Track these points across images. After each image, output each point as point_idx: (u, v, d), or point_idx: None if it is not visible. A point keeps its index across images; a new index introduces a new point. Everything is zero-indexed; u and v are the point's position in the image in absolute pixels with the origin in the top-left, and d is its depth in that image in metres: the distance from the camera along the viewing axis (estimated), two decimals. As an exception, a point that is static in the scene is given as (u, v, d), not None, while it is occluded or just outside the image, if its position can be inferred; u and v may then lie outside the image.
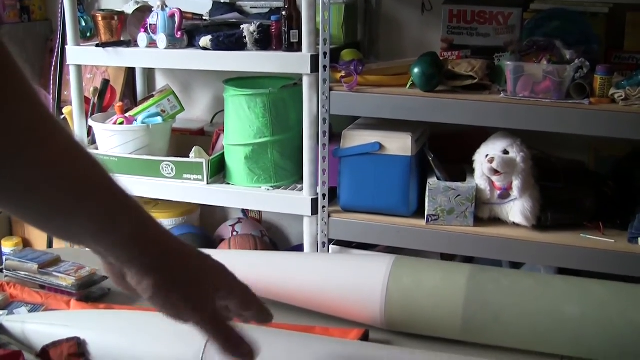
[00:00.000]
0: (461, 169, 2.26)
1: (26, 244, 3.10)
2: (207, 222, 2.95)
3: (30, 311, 1.17)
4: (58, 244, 2.80)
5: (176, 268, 0.76)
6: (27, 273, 1.27)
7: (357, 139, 2.23)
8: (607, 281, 1.07)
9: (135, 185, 2.54)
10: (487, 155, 2.11)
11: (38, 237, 3.15)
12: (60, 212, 0.70)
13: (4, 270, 1.30)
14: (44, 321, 1.05)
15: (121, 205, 0.73)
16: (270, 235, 2.86)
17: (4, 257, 1.31)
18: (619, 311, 1.01)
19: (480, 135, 2.21)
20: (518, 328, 1.04)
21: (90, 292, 1.24)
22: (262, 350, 0.89)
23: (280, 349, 0.91)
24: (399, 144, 2.18)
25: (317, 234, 2.35)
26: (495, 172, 2.10)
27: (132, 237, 0.73)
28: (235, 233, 2.72)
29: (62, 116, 2.84)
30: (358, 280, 1.11)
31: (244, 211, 2.91)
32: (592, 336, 1.02)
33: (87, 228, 0.72)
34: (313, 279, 1.13)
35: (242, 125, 2.44)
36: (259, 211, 2.89)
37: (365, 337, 1.10)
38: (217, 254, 1.26)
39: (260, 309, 0.84)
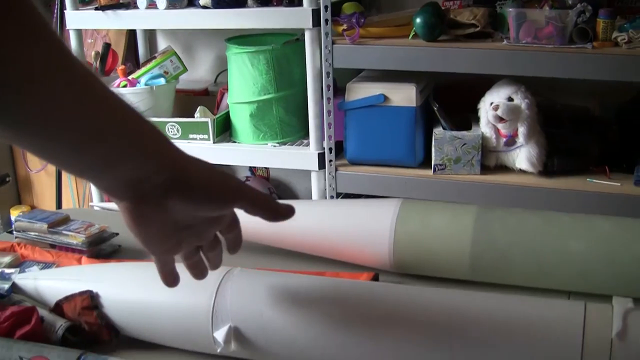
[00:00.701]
0: (466, 117, 2.26)
1: (35, 211, 3.11)
2: (215, 182, 2.94)
3: (42, 270, 1.18)
4: (66, 207, 2.82)
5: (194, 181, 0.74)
6: (37, 233, 1.28)
7: (361, 91, 2.23)
8: (611, 216, 1.07)
9: (141, 147, 2.54)
10: (491, 103, 2.11)
11: (47, 206, 3.16)
12: (71, 146, 0.66)
13: (14, 232, 1.31)
14: (55, 277, 1.06)
15: (135, 138, 0.70)
16: (278, 193, 2.86)
17: (12, 219, 1.32)
18: (624, 245, 1.02)
19: (485, 83, 2.21)
20: (525, 265, 1.04)
21: (100, 249, 1.25)
22: (278, 294, 0.91)
23: (298, 291, 0.91)
24: (404, 95, 2.18)
25: (325, 189, 2.36)
26: (501, 119, 2.10)
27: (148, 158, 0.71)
28: (243, 191, 2.72)
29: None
30: (366, 224, 1.11)
31: (252, 169, 2.92)
32: (597, 271, 1.02)
33: (100, 164, 0.69)
34: (321, 224, 1.14)
35: (245, 83, 2.44)
36: (267, 168, 2.90)
37: (375, 280, 1.11)
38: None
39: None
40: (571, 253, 1.03)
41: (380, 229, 1.10)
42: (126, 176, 0.70)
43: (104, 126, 0.67)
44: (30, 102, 0.61)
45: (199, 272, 0.84)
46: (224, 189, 0.76)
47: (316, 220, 1.14)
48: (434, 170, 2.21)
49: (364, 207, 1.15)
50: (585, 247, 1.03)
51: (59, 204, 2.97)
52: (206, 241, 0.81)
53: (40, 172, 3.15)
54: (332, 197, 2.32)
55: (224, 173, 0.76)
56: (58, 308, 1.02)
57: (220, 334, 0.91)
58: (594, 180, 2.11)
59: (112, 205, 1.39)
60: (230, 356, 0.94)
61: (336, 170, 2.31)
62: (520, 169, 2.16)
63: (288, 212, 0.81)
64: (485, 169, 2.20)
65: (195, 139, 2.49)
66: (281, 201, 0.82)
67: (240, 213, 0.79)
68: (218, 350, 0.92)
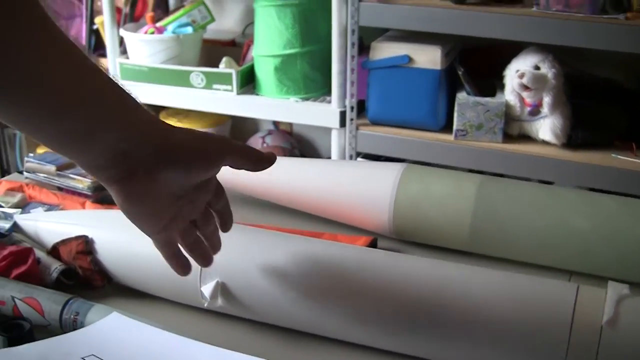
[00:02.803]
0: (491, 84, 2.22)
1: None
2: (237, 134, 2.94)
3: (46, 211, 1.18)
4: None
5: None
6: (45, 175, 1.28)
7: (386, 51, 2.20)
8: (619, 196, 1.05)
9: (165, 95, 2.54)
10: (517, 71, 2.07)
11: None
12: (50, 111, 0.66)
13: (24, 172, 1.31)
14: (55, 220, 1.06)
15: (112, 107, 0.68)
16: (300, 148, 2.85)
17: (25, 159, 1.32)
18: (630, 226, 0.99)
19: (512, 49, 2.16)
20: (526, 239, 1.02)
21: (105, 195, 1.23)
22: (268, 253, 0.90)
23: (288, 251, 0.90)
24: (428, 57, 2.15)
25: (345, 147, 2.34)
26: (526, 87, 2.06)
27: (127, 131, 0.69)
28: (265, 144, 2.72)
29: (95, 26, 2.83)
30: (367, 186, 1.09)
31: (275, 123, 2.90)
32: (601, 251, 1.00)
33: (77, 133, 0.67)
34: (322, 184, 1.12)
35: (271, 36, 2.41)
36: (290, 123, 2.88)
37: (373, 245, 1.09)
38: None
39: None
40: (574, 231, 1.01)
41: (381, 193, 1.08)
42: (110, 149, 0.68)
43: (84, 91, 0.66)
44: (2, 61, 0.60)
45: (201, 256, 0.84)
46: (210, 147, 0.75)
47: (318, 179, 1.13)
48: (455, 136, 2.18)
49: (366, 169, 1.13)
50: (589, 226, 1.00)
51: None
52: (199, 211, 0.80)
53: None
54: (351, 156, 2.31)
55: (205, 133, 0.75)
56: (55, 251, 1.02)
57: (207, 289, 0.90)
58: (619, 156, 2.07)
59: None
60: (216, 311, 0.94)
61: (357, 129, 2.29)
62: (543, 140, 2.13)
63: (271, 159, 0.79)
64: (507, 137, 2.17)
65: (219, 89, 2.47)
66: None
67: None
68: (205, 305, 0.91)
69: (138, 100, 0.70)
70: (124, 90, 0.69)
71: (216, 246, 0.85)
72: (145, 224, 0.76)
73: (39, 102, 0.63)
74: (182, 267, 0.82)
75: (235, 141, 0.78)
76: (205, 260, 0.84)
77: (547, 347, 0.80)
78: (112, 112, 0.68)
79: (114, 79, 0.69)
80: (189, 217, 0.80)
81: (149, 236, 0.78)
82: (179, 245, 0.81)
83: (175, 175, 0.72)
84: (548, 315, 0.80)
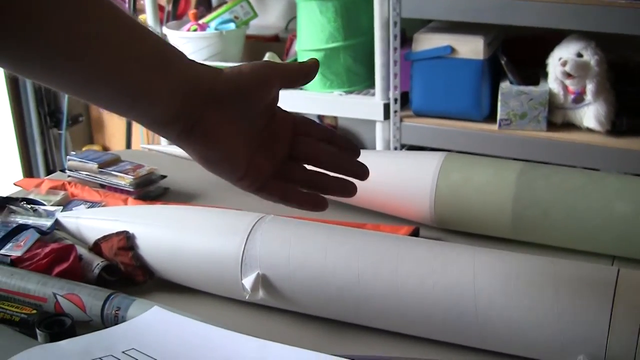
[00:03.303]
0: (535, 72, 2.21)
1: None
2: (282, 129, 2.94)
3: (87, 209, 1.19)
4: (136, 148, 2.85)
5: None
6: (87, 173, 1.29)
7: (428, 42, 2.20)
8: (661, 179, 1.04)
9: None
10: (560, 59, 2.05)
11: (118, 145, 3.21)
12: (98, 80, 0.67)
13: (67, 171, 1.33)
14: (96, 216, 1.07)
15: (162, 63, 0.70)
16: (345, 142, 2.85)
17: (67, 158, 1.34)
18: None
19: (554, 37, 2.15)
20: (568, 225, 1.02)
21: (148, 191, 1.26)
22: (309, 244, 0.90)
23: (329, 241, 0.91)
24: (471, 47, 2.14)
25: (390, 139, 2.34)
26: (569, 75, 2.05)
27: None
28: (310, 139, 2.72)
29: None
30: (408, 176, 1.10)
31: (320, 117, 2.91)
32: (643, 235, 1.00)
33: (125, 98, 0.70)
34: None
35: (314, 30, 2.42)
36: (335, 117, 2.89)
37: (415, 234, 1.10)
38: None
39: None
40: (617, 215, 1.00)
41: (422, 182, 1.08)
42: (170, 101, 0.70)
43: (136, 48, 0.68)
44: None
45: (305, 201, 0.80)
46: (259, 72, 0.75)
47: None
48: (499, 125, 2.17)
49: (407, 159, 1.14)
50: (631, 210, 1.00)
51: (128, 144, 3.00)
52: (283, 149, 0.79)
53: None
54: (395, 148, 2.30)
55: (249, 63, 0.76)
56: (96, 247, 1.03)
57: (248, 281, 0.91)
58: (664, 142, 2.05)
59: (163, 147, 1.40)
60: (258, 304, 0.95)
61: (401, 121, 2.29)
62: (587, 127, 2.11)
63: (313, 67, 0.80)
64: (551, 125, 2.15)
65: (263, 85, 2.48)
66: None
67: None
68: (246, 297, 0.92)
69: (181, 51, 0.72)
70: (168, 43, 0.72)
71: (358, 174, 0.81)
72: (227, 169, 0.76)
73: (97, 63, 0.66)
74: (306, 204, 0.79)
75: (279, 62, 0.79)
76: (315, 205, 0.80)
77: (588, 330, 0.80)
78: (163, 63, 0.70)
79: (156, 34, 0.71)
80: (274, 157, 0.78)
81: (237, 185, 0.77)
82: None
83: (236, 109, 0.73)
84: (589, 299, 0.80)
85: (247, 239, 0.92)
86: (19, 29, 0.61)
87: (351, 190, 0.80)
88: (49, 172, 3.09)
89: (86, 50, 0.64)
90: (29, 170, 3.19)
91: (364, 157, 1.16)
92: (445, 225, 1.10)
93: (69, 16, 0.63)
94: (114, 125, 3.25)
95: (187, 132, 0.72)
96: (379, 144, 2.40)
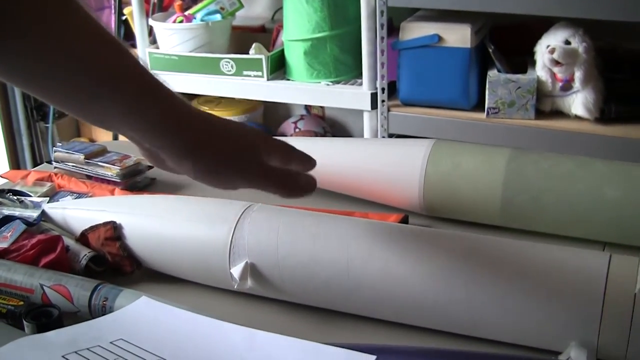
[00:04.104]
0: (522, 60, 2.20)
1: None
2: (270, 120, 2.95)
3: (74, 199, 1.18)
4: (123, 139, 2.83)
5: (214, 145, 0.76)
6: (74, 164, 1.29)
7: (415, 31, 2.19)
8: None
9: (195, 83, 2.55)
10: (548, 46, 2.05)
11: (105, 138, 3.19)
12: (85, 94, 0.70)
13: (53, 162, 1.32)
14: (83, 207, 1.06)
15: (148, 89, 0.73)
16: (333, 132, 2.85)
17: (53, 149, 1.33)
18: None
19: (542, 25, 2.14)
20: (557, 212, 1.02)
21: (135, 182, 1.25)
22: (297, 233, 0.90)
23: (318, 230, 0.90)
24: (458, 36, 2.13)
25: (377, 129, 2.33)
26: (557, 63, 2.04)
27: (163, 121, 0.73)
28: (297, 130, 2.72)
29: (124, 17, 2.84)
30: (396, 163, 1.09)
31: (307, 108, 2.90)
32: (634, 221, 0.99)
33: (114, 112, 0.72)
34: (351, 162, 1.12)
35: (300, 20, 2.41)
36: (322, 107, 2.88)
37: (404, 222, 1.09)
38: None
39: (301, 158, 0.85)
40: (606, 201, 1.00)
41: (411, 169, 1.08)
42: (156, 126, 0.74)
43: (124, 71, 0.71)
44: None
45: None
46: (248, 139, 0.80)
47: (346, 158, 1.13)
48: (487, 114, 2.16)
49: (395, 146, 1.13)
50: (621, 195, 1.00)
51: (115, 136, 2.99)
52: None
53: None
54: (383, 137, 2.30)
55: (243, 126, 0.83)
56: (83, 238, 1.03)
57: (236, 270, 0.90)
58: (654, 129, 2.05)
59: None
60: (246, 293, 0.94)
61: (388, 110, 2.29)
62: (576, 115, 2.10)
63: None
64: (540, 113, 2.15)
65: (250, 75, 2.48)
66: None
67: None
68: (235, 287, 0.91)
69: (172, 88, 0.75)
70: (159, 79, 0.74)
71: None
72: (217, 187, 0.80)
73: (87, 78, 0.69)
74: (293, 190, 0.83)
75: (276, 139, 0.82)
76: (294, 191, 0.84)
77: (580, 316, 0.79)
78: (152, 90, 0.73)
79: (144, 68, 0.73)
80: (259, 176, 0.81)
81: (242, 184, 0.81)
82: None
83: (217, 161, 0.77)
84: (581, 284, 0.80)
85: (235, 228, 0.92)
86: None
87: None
88: (35, 165, 3.07)
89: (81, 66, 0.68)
90: (15, 164, 3.18)
91: (352, 145, 1.16)
92: (435, 213, 1.10)
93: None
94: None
95: (178, 157, 0.76)
96: (367, 134, 2.39)
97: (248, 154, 0.79)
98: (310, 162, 0.85)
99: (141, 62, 0.73)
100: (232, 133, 0.79)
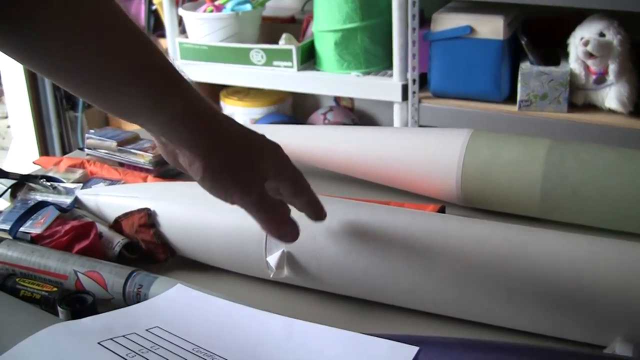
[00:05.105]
0: (555, 53, 2.18)
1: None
2: (299, 111, 2.94)
3: (107, 186, 1.18)
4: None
5: (227, 150, 0.76)
6: (106, 151, 1.28)
7: (447, 22, 2.17)
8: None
9: (225, 73, 2.55)
10: (581, 38, 2.03)
11: (134, 128, 3.19)
12: (108, 85, 0.70)
13: (85, 149, 1.31)
14: (116, 193, 1.06)
15: (172, 83, 0.73)
16: (362, 124, 2.83)
17: (85, 136, 1.33)
18: None
19: (576, 17, 2.12)
20: (597, 204, 1.00)
21: (167, 169, 1.24)
22: (334, 222, 0.88)
23: (355, 219, 0.89)
24: (491, 28, 2.12)
25: (408, 121, 2.32)
26: (591, 55, 2.02)
27: (183, 116, 0.73)
28: (326, 121, 2.71)
29: (154, 7, 2.84)
30: (434, 153, 1.08)
31: (336, 99, 2.89)
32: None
33: (136, 104, 0.72)
34: (387, 152, 1.10)
35: (331, 10, 2.40)
36: (351, 99, 2.87)
37: (441, 212, 1.07)
38: (289, 130, 1.25)
39: (310, 200, 0.83)
40: (649, 193, 0.98)
41: (449, 160, 1.06)
42: (177, 122, 0.74)
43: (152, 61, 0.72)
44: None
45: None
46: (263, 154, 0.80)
47: (382, 148, 1.11)
48: (519, 106, 2.14)
49: (432, 135, 1.11)
50: (664, 188, 0.98)
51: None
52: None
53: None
54: (414, 129, 2.29)
55: (261, 139, 0.80)
56: (117, 224, 1.02)
57: (273, 259, 0.89)
58: (689, 123, 2.02)
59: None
60: (282, 282, 0.93)
61: (419, 102, 2.27)
62: (609, 109, 2.08)
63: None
64: (572, 106, 2.13)
65: (279, 66, 2.47)
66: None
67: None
68: (271, 275, 0.90)
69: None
70: (184, 75, 0.74)
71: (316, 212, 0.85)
72: (217, 196, 0.80)
73: (112, 67, 0.69)
74: (278, 227, 0.83)
75: (292, 165, 0.81)
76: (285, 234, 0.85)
77: (626, 311, 0.78)
78: (176, 85, 0.73)
79: (169, 63, 0.73)
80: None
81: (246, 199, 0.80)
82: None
83: (225, 167, 0.77)
84: (628, 278, 0.78)
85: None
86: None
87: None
88: (64, 154, 3.09)
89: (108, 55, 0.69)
90: (45, 152, 3.19)
91: (387, 134, 1.15)
92: (472, 204, 1.08)
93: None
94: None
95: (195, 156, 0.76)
96: (397, 126, 2.38)
97: (258, 168, 0.78)
98: (321, 212, 0.84)
99: (167, 57, 0.73)
100: (250, 141, 0.78)
